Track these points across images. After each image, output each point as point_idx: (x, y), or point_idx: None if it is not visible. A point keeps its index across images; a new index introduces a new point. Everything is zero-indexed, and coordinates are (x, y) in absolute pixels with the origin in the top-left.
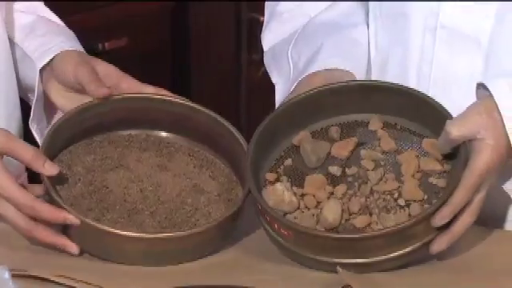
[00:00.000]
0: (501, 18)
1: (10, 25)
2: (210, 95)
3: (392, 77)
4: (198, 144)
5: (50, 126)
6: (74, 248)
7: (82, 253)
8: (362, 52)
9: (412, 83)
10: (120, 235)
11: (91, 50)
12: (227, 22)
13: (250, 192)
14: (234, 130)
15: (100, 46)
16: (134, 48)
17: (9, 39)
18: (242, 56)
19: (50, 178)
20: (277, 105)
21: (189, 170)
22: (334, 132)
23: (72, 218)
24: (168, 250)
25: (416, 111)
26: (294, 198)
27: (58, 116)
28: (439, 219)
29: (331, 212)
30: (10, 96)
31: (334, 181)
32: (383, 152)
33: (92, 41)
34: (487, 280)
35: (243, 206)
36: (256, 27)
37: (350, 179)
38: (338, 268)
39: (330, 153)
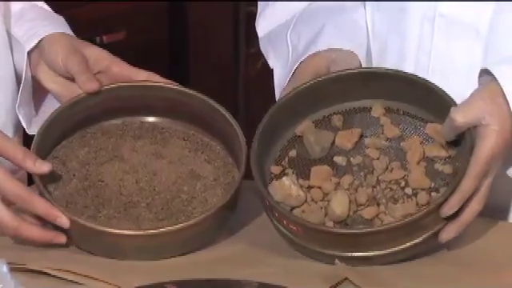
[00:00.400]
0: (500, 6)
1: (7, 20)
2: (208, 88)
3: (390, 65)
4: (193, 127)
5: (41, 124)
6: (62, 238)
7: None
8: (363, 33)
9: (410, 72)
10: (114, 234)
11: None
12: (225, 16)
13: (245, 171)
14: (225, 112)
15: (98, 39)
16: (132, 41)
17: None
18: (239, 49)
19: (42, 178)
20: (276, 89)
21: (184, 155)
22: (337, 121)
23: (62, 220)
24: (164, 243)
25: (419, 97)
26: (301, 192)
27: (46, 102)
28: (448, 209)
29: (339, 205)
30: (8, 91)
31: (339, 171)
32: (387, 139)
33: (90, 34)
34: (490, 272)
35: (240, 189)
36: (254, 21)
37: (355, 168)
38: (336, 261)
39: (333, 142)
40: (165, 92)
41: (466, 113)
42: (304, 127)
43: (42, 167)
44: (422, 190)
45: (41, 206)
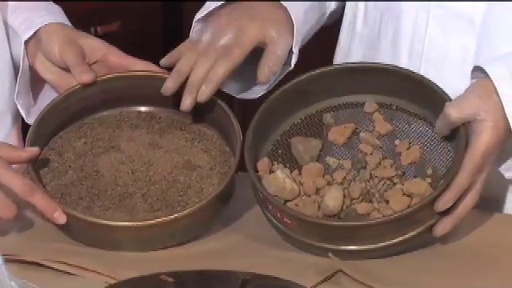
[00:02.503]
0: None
1: (4, 9)
2: None
3: (383, 53)
4: (190, 117)
5: (37, 116)
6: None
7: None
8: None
9: (403, 61)
10: (108, 225)
11: None
12: None
13: (240, 159)
14: (220, 101)
15: (92, 30)
16: (126, 32)
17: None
18: None
19: (37, 170)
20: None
21: (181, 145)
22: (329, 118)
23: (60, 215)
24: (158, 234)
25: (413, 93)
26: (295, 186)
27: (45, 92)
28: (442, 204)
29: (332, 198)
30: (6, 80)
31: (331, 168)
32: (379, 135)
33: (84, 25)
34: (486, 263)
35: (235, 177)
36: None
37: (348, 163)
38: (330, 254)
39: (326, 136)
40: (162, 82)
41: (461, 108)
42: (262, 164)
43: (32, 150)
44: (417, 192)
45: (41, 200)
